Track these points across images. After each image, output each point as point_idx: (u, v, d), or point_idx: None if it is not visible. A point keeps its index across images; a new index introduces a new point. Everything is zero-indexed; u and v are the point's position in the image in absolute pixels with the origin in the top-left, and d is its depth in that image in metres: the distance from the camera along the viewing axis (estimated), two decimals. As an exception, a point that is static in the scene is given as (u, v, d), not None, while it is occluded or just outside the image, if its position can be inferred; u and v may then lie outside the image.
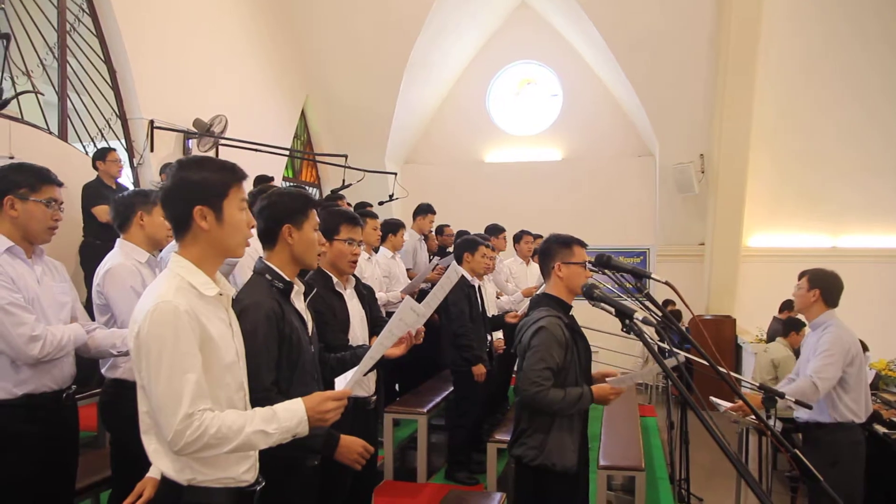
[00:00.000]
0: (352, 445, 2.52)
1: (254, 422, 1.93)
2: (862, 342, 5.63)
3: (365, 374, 2.96)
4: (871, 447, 4.53)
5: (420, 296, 5.65)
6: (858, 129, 10.08)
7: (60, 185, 2.91)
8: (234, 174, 2.09)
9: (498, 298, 6.78)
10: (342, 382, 2.23)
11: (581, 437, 3.24)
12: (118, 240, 3.32)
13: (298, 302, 2.58)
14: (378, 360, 2.32)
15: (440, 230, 8.32)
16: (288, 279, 2.53)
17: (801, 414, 4.20)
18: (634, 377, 3.22)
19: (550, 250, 3.29)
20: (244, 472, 2.05)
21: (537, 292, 3.77)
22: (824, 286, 4.18)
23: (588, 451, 3.40)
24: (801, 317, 6.90)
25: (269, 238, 2.55)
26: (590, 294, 2.54)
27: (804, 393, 3.95)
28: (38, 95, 6.00)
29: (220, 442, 1.87)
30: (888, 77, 9.83)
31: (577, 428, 3.19)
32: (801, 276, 4.31)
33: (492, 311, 6.06)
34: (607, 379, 3.26)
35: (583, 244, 3.30)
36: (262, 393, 2.27)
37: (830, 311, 4.19)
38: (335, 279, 3.33)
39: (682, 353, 2.84)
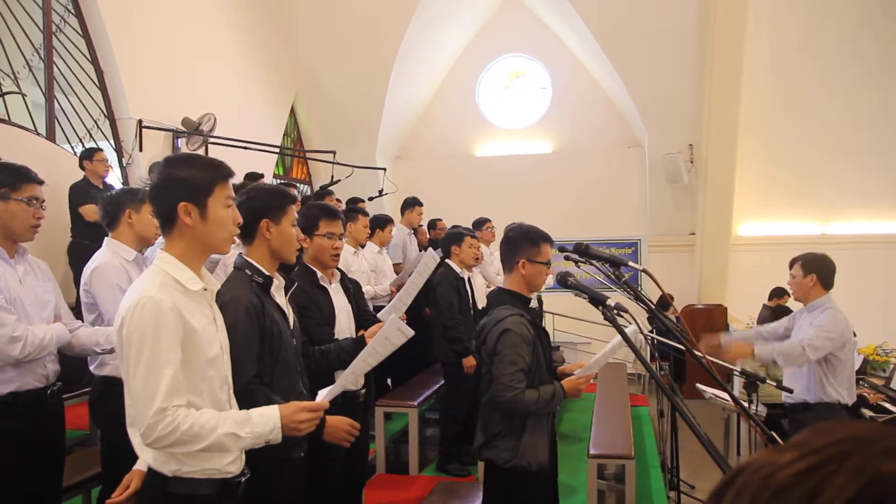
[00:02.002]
0: (338, 424, 2.52)
1: (226, 423, 1.96)
2: (849, 328, 5.71)
3: (356, 387, 3.00)
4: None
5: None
6: (850, 111, 10.05)
7: (41, 182, 2.93)
8: (219, 171, 2.12)
9: (488, 289, 6.80)
10: (322, 394, 2.25)
11: (551, 433, 3.19)
12: (106, 238, 3.34)
13: (279, 296, 2.61)
14: (361, 375, 2.33)
15: (433, 224, 8.34)
16: (267, 273, 2.56)
17: (788, 395, 4.25)
18: (599, 362, 3.13)
19: (517, 244, 3.15)
20: (228, 463, 2.08)
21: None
22: (820, 269, 4.21)
23: (556, 447, 3.33)
24: (790, 305, 6.96)
25: (247, 233, 2.58)
26: (564, 282, 2.56)
27: (791, 352, 4.01)
28: (24, 97, 6.00)
29: (191, 439, 1.90)
30: (881, 58, 9.83)
31: (547, 425, 3.13)
32: (792, 263, 4.32)
33: (481, 303, 6.09)
34: (575, 372, 3.16)
35: (550, 241, 3.18)
36: (244, 386, 2.30)
37: (827, 294, 4.22)
38: (319, 274, 3.36)
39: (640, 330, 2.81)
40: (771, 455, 0.57)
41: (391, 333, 2.26)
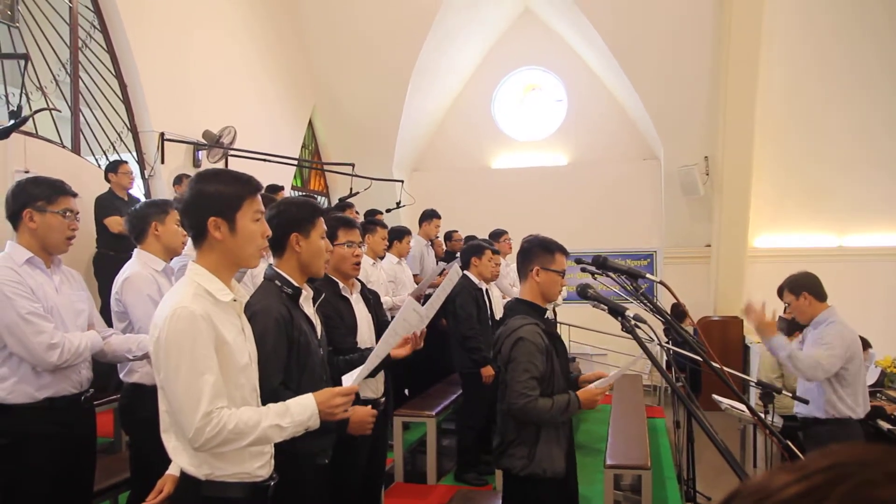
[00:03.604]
0: (361, 417, 2.55)
1: (269, 416, 2.05)
2: (865, 339, 5.72)
3: (373, 376, 3.08)
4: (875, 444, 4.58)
5: (426, 300, 5.75)
6: (865, 124, 10.03)
7: (75, 195, 3.02)
8: (248, 186, 2.18)
9: (504, 300, 6.85)
10: (349, 379, 2.33)
11: (568, 442, 3.21)
12: (135, 250, 3.44)
13: (307, 306, 2.68)
14: (384, 358, 2.41)
15: (448, 236, 8.41)
16: (297, 285, 2.63)
17: (800, 409, 4.25)
18: (616, 374, 3.15)
19: (531, 253, 3.21)
20: (259, 467, 2.15)
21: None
22: (806, 285, 4.19)
23: (575, 455, 3.36)
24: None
25: (277, 246, 2.64)
26: (584, 293, 2.61)
27: (805, 365, 3.98)
28: (51, 112, 6.13)
29: (237, 437, 1.98)
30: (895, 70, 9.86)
31: (563, 434, 3.15)
32: (779, 293, 4.32)
33: (499, 314, 6.15)
34: (594, 384, 3.15)
35: (565, 252, 3.22)
36: (270, 394, 2.36)
37: (830, 307, 4.19)
38: (341, 284, 3.43)
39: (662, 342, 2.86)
40: (767, 478, 0.57)
41: (408, 314, 2.37)
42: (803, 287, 4.18)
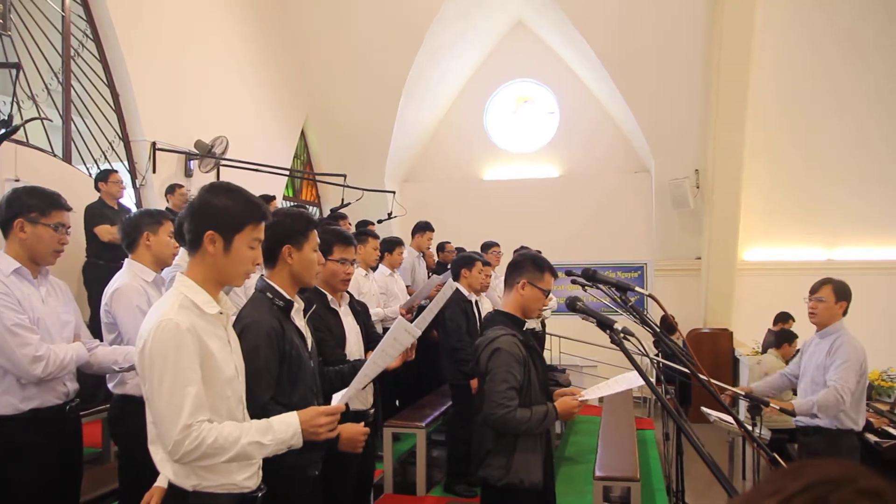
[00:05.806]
0: (353, 435, 2.54)
1: (250, 433, 2.03)
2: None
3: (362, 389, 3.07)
4: (862, 456, 4.61)
5: (418, 311, 5.75)
6: (855, 137, 10.16)
7: (69, 209, 3.01)
8: (256, 211, 2.17)
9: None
10: (337, 398, 2.32)
11: (545, 453, 3.20)
12: (126, 260, 3.43)
13: (298, 319, 2.67)
14: (373, 377, 2.40)
15: (441, 247, 8.41)
16: (288, 297, 2.62)
17: (802, 418, 4.30)
18: (602, 392, 3.15)
19: (522, 266, 3.23)
20: (246, 478, 2.14)
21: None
22: (848, 297, 4.33)
23: (553, 467, 3.36)
24: (795, 329, 6.99)
25: (270, 257, 2.63)
26: (573, 306, 2.62)
27: (829, 403, 4.05)
28: (42, 120, 6.12)
29: (217, 451, 1.97)
30: (882, 85, 9.94)
31: (540, 445, 3.15)
32: (817, 287, 4.39)
33: (489, 326, 6.15)
34: (578, 397, 3.17)
35: (554, 273, 3.25)
36: (261, 408, 2.35)
37: (841, 320, 4.33)
38: (329, 296, 3.43)
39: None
40: (748, 501, 0.59)
41: (399, 334, 2.33)
42: (846, 297, 4.32)
